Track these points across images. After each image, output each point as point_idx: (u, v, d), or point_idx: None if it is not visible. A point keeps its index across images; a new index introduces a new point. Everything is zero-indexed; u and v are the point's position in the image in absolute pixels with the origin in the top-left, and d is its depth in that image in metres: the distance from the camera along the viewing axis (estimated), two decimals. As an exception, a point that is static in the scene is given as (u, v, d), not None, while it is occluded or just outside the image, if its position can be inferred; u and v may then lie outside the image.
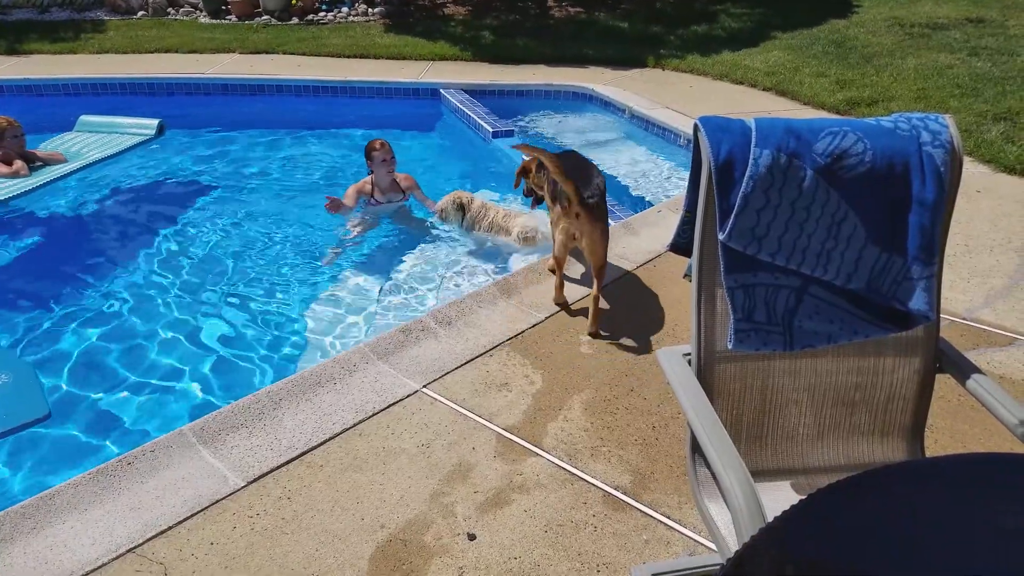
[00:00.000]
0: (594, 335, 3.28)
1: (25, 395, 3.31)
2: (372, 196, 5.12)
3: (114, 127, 6.75)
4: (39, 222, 5.33)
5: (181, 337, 3.89)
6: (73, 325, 4.00)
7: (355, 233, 5.01)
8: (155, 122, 6.74)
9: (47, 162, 5.94)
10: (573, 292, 3.66)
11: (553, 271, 3.61)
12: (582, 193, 3.26)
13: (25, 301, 4.29)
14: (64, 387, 3.51)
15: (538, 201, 4.26)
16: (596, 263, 3.33)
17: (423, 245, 4.90)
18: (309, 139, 7.11)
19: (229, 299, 4.27)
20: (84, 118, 6.81)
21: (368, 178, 5.14)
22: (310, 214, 5.37)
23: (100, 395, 3.47)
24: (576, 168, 3.48)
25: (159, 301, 4.23)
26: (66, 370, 3.61)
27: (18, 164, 5.70)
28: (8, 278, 4.63)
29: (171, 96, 7.92)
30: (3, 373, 3.42)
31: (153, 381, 3.56)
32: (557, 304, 3.54)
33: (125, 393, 3.48)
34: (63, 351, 3.77)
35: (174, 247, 4.92)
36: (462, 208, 4.71)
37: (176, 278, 4.50)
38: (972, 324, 3.36)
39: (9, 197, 5.42)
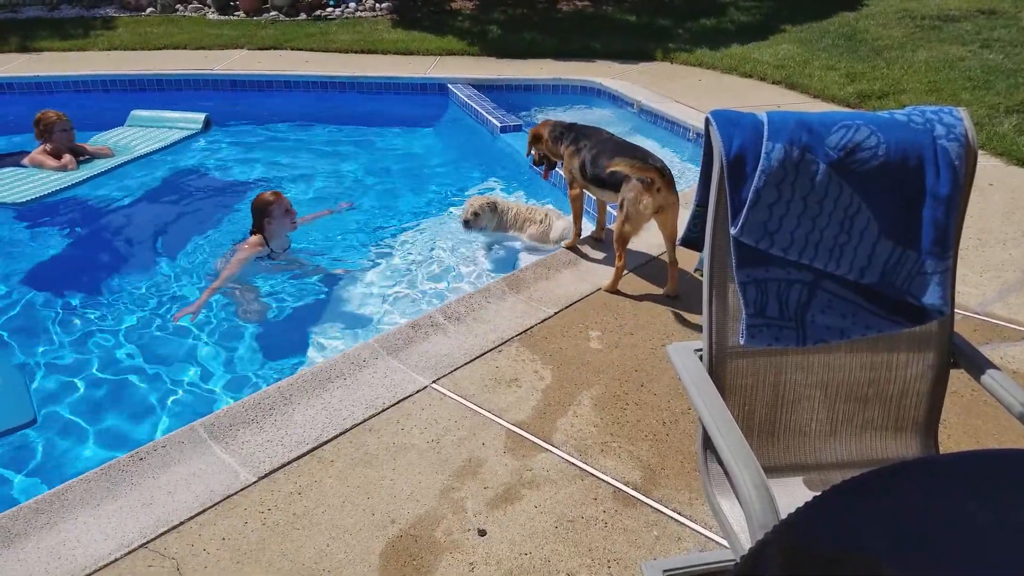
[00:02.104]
0: (675, 295, 3.59)
1: (11, 400, 3.26)
2: (268, 256, 4.41)
3: (162, 121, 6.76)
4: (79, 217, 5.39)
5: (193, 332, 3.90)
6: (90, 320, 4.04)
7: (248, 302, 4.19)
8: (201, 116, 6.72)
9: (95, 156, 5.96)
10: (583, 287, 3.65)
11: (570, 243, 4.05)
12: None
13: (53, 295, 4.36)
14: (77, 380, 3.54)
15: (551, 167, 4.25)
16: (674, 232, 3.57)
17: (432, 241, 4.90)
18: (318, 135, 7.12)
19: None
20: (135, 113, 6.83)
21: (255, 239, 4.34)
22: (311, 209, 5.39)
23: (114, 388, 3.49)
24: (629, 146, 3.73)
25: (173, 298, 4.25)
26: (80, 364, 3.63)
27: (66, 158, 5.73)
28: (41, 271, 4.69)
29: (180, 92, 7.93)
30: None
31: (165, 376, 3.58)
32: (614, 292, 3.60)
33: (137, 388, 3.50)
34: (80, 346, 3.79)
35: (187, 245, 4.94)
36: (495, 209, 4.58)
37: (187, 275, 4.52)
38: (985, 319, 3.34)
39: (53, 191, 5.45)
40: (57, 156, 5.75)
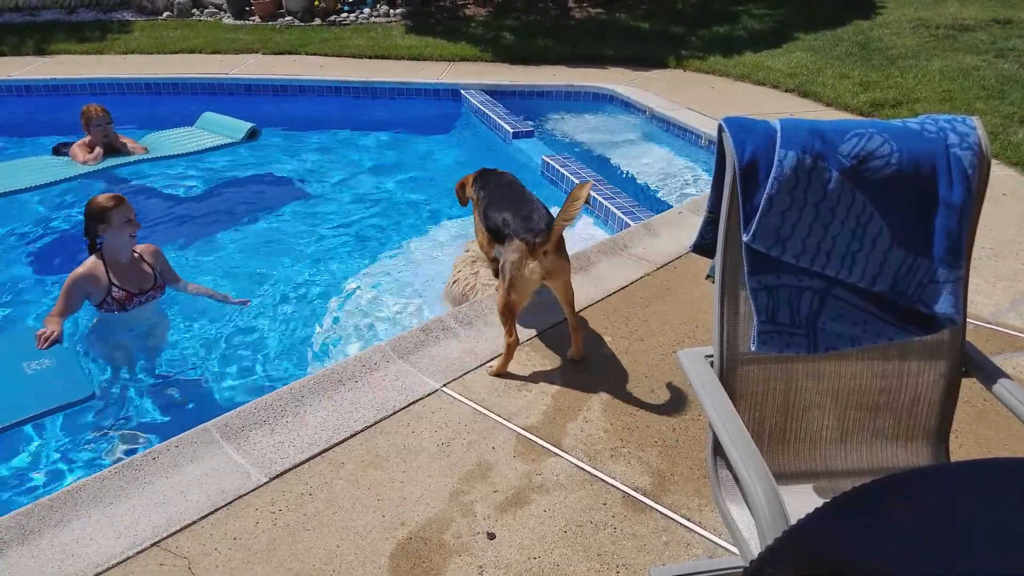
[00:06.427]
0: (581, 359, 3.12)
1: (67, 377, 3.20)
2: (110, 292, 3.46)
3: (216, 126, 6.45)
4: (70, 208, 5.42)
5: (202, 333, 3.93)
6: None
7: None
8: (246, 126, 6.22)
9: (131, 153, 5.92)
10: (594, 293, 3.66)
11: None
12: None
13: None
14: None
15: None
16: (570, 296, 3.09)
17: (444, 245, 4.92)
18: (332, 140, 7.17)
19: (255, 297, 4.30)
20: (206, 115, 6.57)
21: (91, 261, 3.48)
22: (325, 214, 5.42)
23: (127, 388, 3.52)
24: (521, 197, 3.19)
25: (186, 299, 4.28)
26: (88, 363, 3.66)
27: (94, 153, 5.66)
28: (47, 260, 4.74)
29: (195, 96, 7.99)
30: (45, 357, 3.26)
31: (175, 376, 3.61)
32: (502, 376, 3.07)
33: (149, 389, 3.53)
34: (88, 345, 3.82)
35: (197, 247, 4.98)
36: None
37: (199, 277, 4.55)
38: (998, 328, 3.32)
39: (43, 184, 5.40)
40: (91, 149, 5.76)
